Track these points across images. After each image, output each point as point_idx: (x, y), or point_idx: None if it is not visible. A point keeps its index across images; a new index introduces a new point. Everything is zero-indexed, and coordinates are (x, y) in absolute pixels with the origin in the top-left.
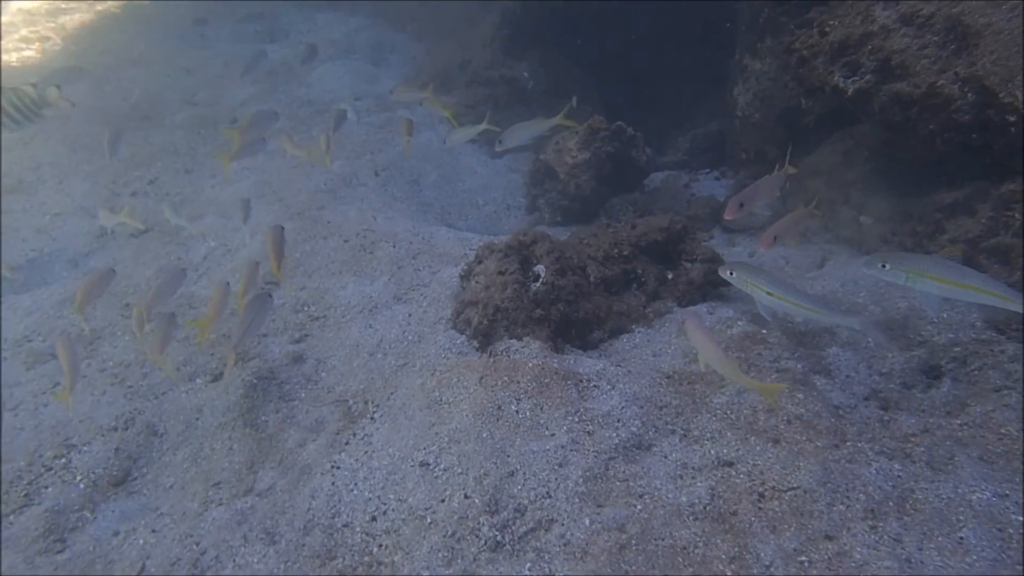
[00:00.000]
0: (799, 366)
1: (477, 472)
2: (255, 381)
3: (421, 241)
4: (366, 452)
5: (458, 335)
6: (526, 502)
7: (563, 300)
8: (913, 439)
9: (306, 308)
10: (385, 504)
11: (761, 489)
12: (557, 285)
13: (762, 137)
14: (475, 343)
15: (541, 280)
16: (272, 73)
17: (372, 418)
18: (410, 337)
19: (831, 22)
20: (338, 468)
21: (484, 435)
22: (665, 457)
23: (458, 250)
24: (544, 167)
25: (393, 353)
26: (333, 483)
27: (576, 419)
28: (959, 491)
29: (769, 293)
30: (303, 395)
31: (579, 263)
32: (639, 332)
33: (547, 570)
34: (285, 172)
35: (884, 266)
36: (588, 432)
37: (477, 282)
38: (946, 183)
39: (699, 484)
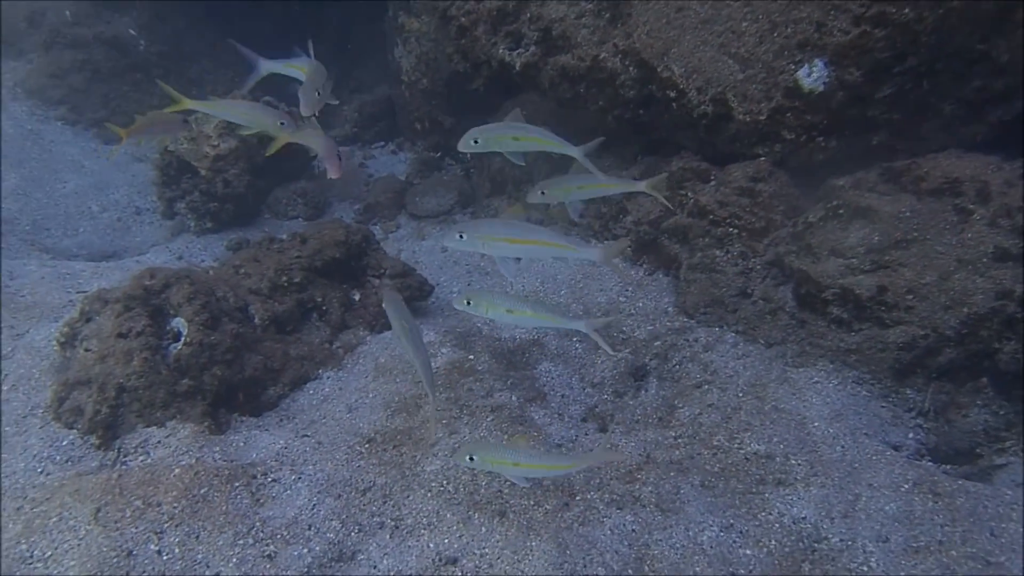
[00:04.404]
0: (514, 398)
1: None
2: None
3: None
4: None
5: (64, 431)
6: None
7: (219, 361)
8: (639, 476)
9: None
10: None
11: None
12: (208, 344)
13: (433, 105)
14: (93, 440)
15: (184, 340)
16: None
17: None
18: None
19: None
20: None
21: None
22: (374, 567)
23: (59, 295)
24: (176, 161)
25: None
26: None
27: (251, 540)
28: (690, 534)
29: (509, 311)
30: None
31: (237, 303)
32: (328, 377)
33: None
34: None
35: (461, 236)
36: (268, 556)
37: (88, 350)
38: (622, 161)
39: None
